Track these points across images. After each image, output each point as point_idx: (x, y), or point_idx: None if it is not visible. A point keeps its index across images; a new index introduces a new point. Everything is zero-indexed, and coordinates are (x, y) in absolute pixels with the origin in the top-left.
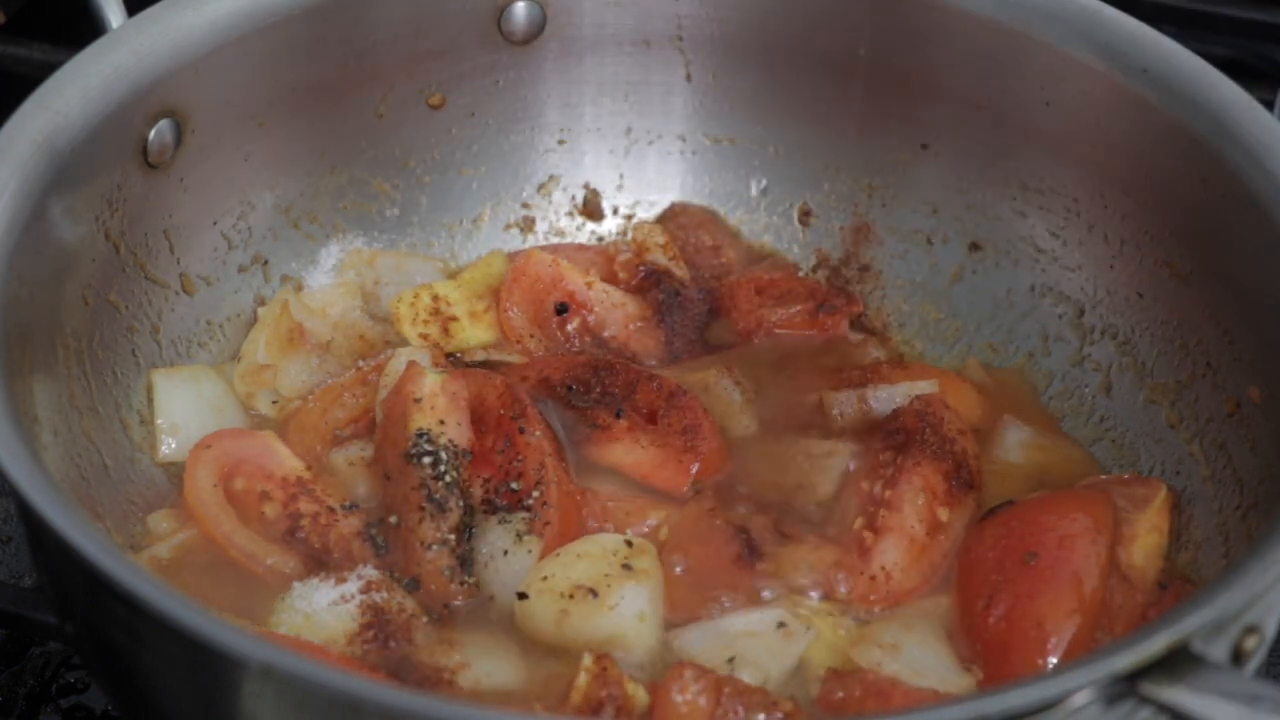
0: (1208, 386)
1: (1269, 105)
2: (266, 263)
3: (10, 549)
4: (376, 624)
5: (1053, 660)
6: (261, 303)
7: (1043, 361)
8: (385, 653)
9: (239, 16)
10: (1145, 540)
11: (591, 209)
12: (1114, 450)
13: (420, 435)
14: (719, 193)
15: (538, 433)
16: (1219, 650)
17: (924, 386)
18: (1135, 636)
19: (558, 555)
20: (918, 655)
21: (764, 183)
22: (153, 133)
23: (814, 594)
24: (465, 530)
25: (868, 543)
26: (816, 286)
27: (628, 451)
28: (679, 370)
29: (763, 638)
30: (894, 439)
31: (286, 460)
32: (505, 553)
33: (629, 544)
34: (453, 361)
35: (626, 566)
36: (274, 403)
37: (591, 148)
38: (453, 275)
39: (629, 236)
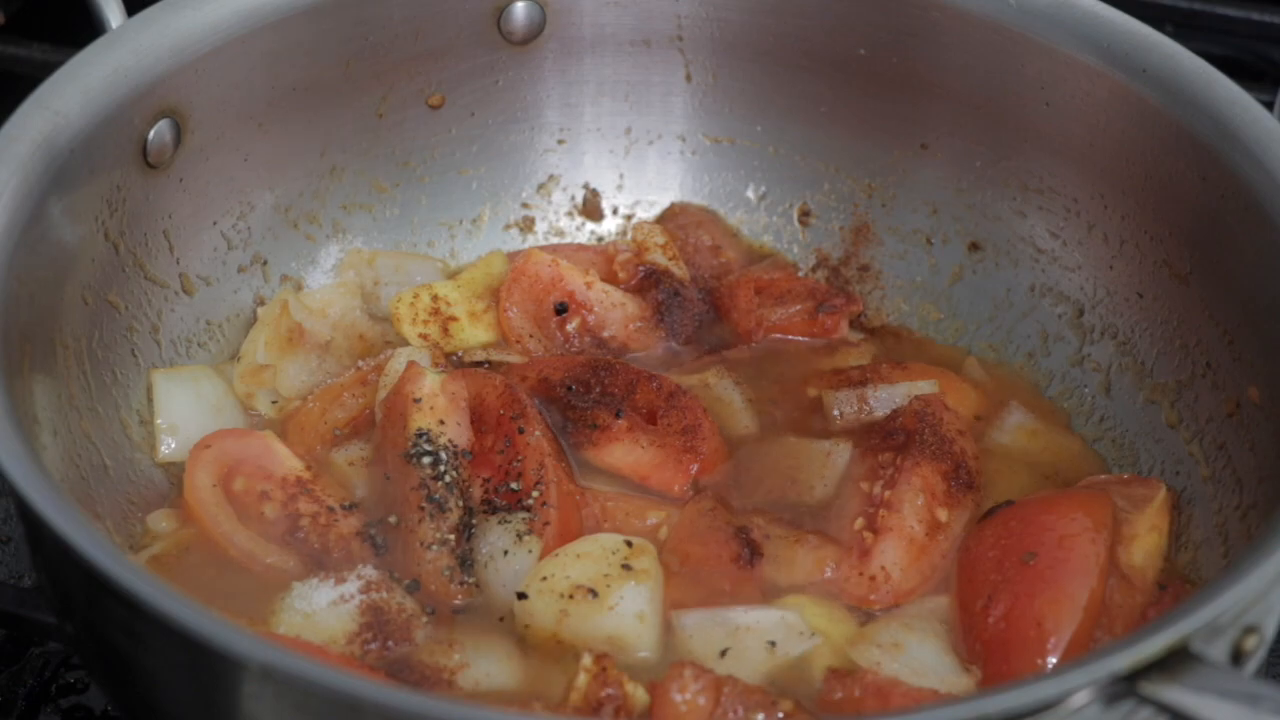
0: (1208, 386)
1: (1269, 105)
2: (266, 263)
3: (10, 549)
4: (376, 624)
5: (1052, 660)
6: (261, 303)
7: (1043, 361)
8: (385, 653)
9: (239, 16)
10: (1145, 540)
11: (591, 209)
12: (1114, 450)
13: (420, 435)
14: (719, 193)
15: (537, 433)
16: (1219, 650)
17: (924, 387)
18: (1135, 636)
19: (557, 555)
20: (918, 655)
21: (764, 183)
22: (153, 133)
23: (814, 593)
24: (465, 530)
25: (868, 543)
26: (816, 287)
27: (627, 452)
28: (679, 370)
29: (760, 634)
30: (893, 439)
31: (286, 460)
32: (505, 553)
33: (629, 544)
34: (453, 361)
35: (626, 566)
36: (274, 403)
37: (591, 148)
38: (452, 275)
39: (629, 236)
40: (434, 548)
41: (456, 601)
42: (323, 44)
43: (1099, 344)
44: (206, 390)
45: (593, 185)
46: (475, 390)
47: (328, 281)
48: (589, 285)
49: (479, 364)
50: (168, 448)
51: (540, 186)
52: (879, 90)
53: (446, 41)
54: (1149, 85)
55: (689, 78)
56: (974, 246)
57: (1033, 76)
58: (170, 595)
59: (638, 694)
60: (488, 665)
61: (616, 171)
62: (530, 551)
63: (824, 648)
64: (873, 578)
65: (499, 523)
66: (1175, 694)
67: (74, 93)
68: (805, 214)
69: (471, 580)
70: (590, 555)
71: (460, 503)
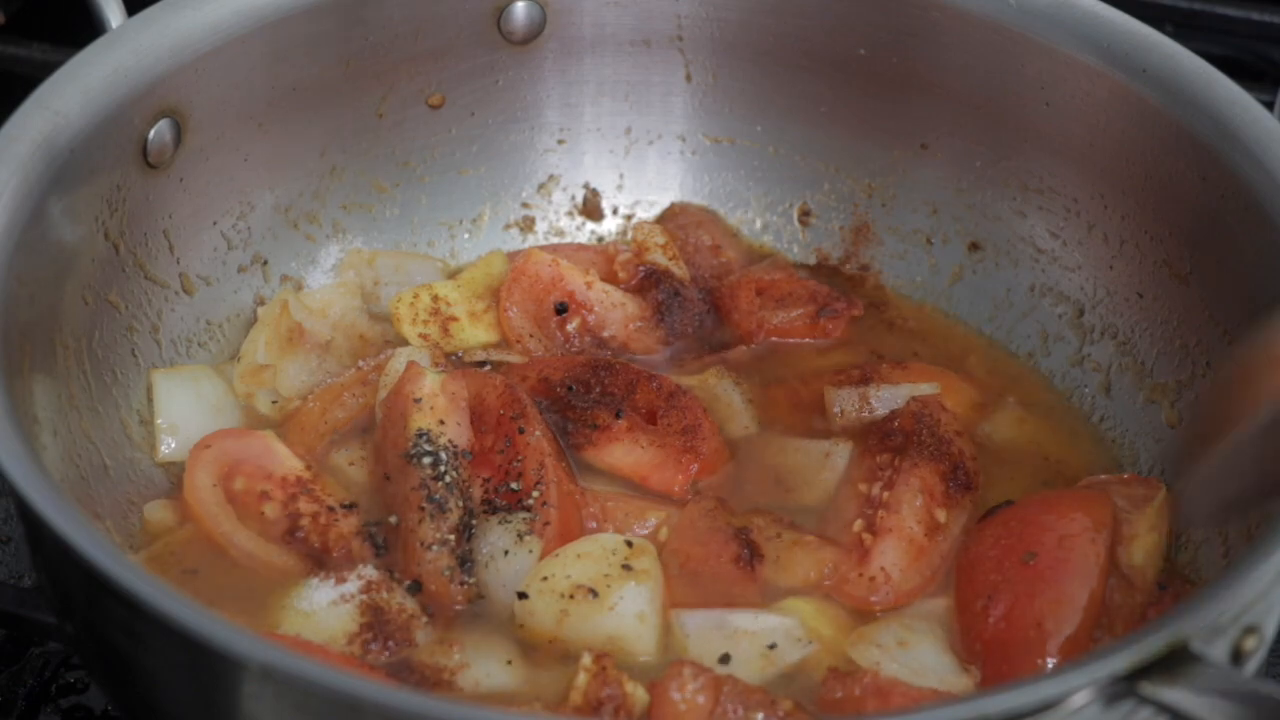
0: (1208, 386)
1: (1269, 105)
2: (266, 263)
3: (10, 549)
4: (376, 624)
5: (1052, 660)
6: (261, 303)
7: (1043, 361)
8: (385, 654)
9: (239, 16)
10: (1145, 540)
11: (591, 209)
12: (1114, 450)
13: (420, 435)
14: (719, 193)
15: (537, 433)
16: (1219, 650)
17: (925, 388)
18: (1135, 636)
19: (557, 555)
20: (918, 655)
21: (764, 183)
22: (153, 133)
23: (814, 595)
24: (465, 530)
25: (867, 544)
26: (817, 289)
27: (627, 452)
28: (679, 371)
29: (759, 639)
30: (891, 441)
31: (286, 460)
32: (505, 553)
33: (629, 544)
34: (453, 361)
35: (626, 567)
36: (274, 403)
37: (591, 148)
38: (452, 275)
39: (629, 236)
40: (434, 548)
41: (457, 603)
42: (323, 44)
43: (1099, 344)
44: (206, 390)
45: (593, 185)
46: (475, 390)
47: (328, 281)
48: (589, 285)
49: (479, 364)
50: (168, 448)
51: (540, 186)
52: (879, 90)
53: (446, 41)
54: (1149, 85)
55: (689, 78)
56: (974, 246)
57: (1033, 76)
58: (170, 595)
59: (637, 693)
60: (488, 665)
61: (616, 171)
62: (530, 551)
63: (824, 648)
64: (872, 579)
65: (499, 523)
66: (1175, 694)
67: (74, 93)
68: (805, 214)
69: (471, 580)
70: (590, 555)
71: (460, 503)
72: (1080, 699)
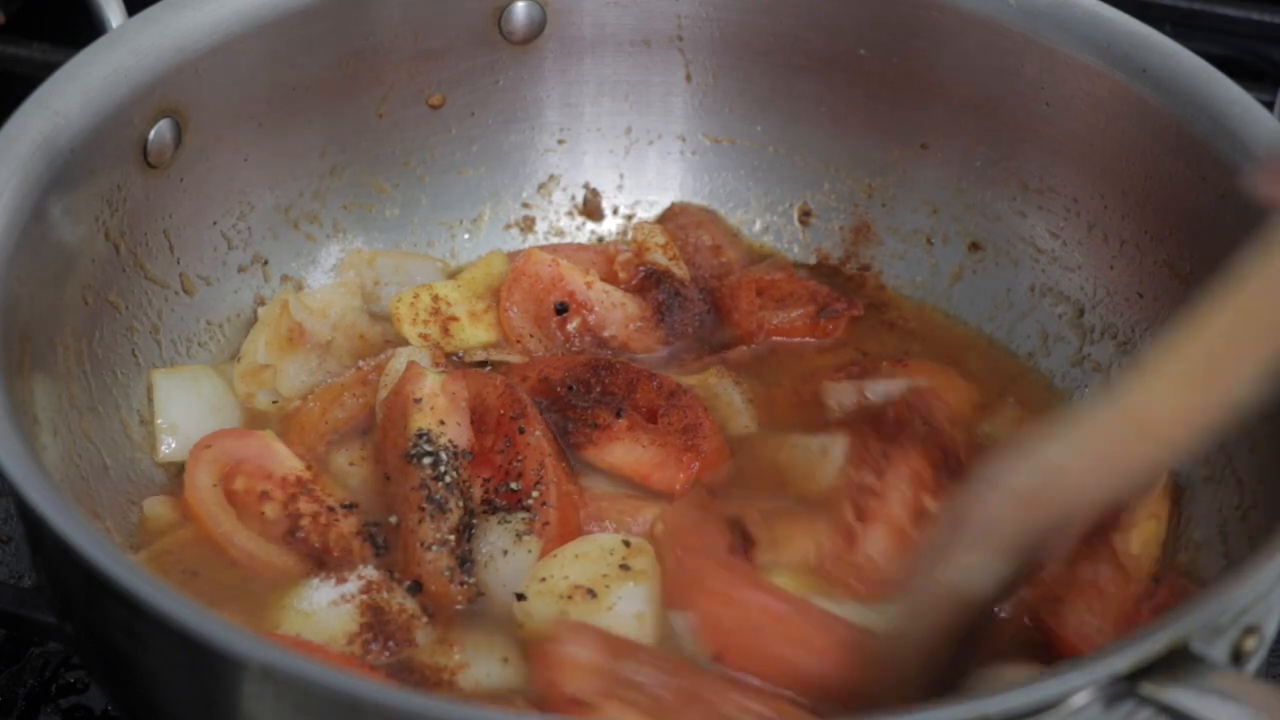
0: None
1: (1269, 105)
2: (266, 263)
3: (10, 549)
4: (376, 624)
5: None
6: (261, 303)
7: (1043, 361)
8: (386, 654)
9: (239, 16)
10: (1144, 528)
11: (591, 209)
12: None
13: (420, 436)
14: (719, 193)
15: (538, 433)
16: (1219, 650)
17: (922, 383)
18: (1135, 636)
19: (555, 556)
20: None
21: (764, 183)
22: (153, 133)
23: (804, 572)
24: (465, 530)
25: (855, 531)
26: (818, 290)
27: (628, 451)
28: (678, 370)
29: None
30: (885, 428)
31: (286, 460)
32: (505, 553)
33: (626, 544)
34: (453, 361)
35: (624, 567)
36: (274, 402)
37: (591, 148)
38: (453, 275)
39: (629, 236)
40: (434, 548)
41: (457, 602)
42: (323, 44)
43: (1099, 344)
44: (206, 390)
45: (593, 185)
46: (476, 390)
47: (328, 281)
48: (589, 285)
49: (479, 364)
50: (168, 448)
51: (540, 186)
52: (879, 90)
53: (446, 41)
54: (1149, 85)
55: (689, 78)
56: (974, 246)
57: (1033, 76)
58: (170, 595)
59: None
60: (488, 665)
61: (617, 171)
62: (530, 551)
63: None
64: (859, 566)
65: (499, 522)
66: (1176, 694)
67: (74, 93)
68: (805, 214)
69: (471, 580)
70: (588, 556)
71: (461, 503)
72: (1080, 699)
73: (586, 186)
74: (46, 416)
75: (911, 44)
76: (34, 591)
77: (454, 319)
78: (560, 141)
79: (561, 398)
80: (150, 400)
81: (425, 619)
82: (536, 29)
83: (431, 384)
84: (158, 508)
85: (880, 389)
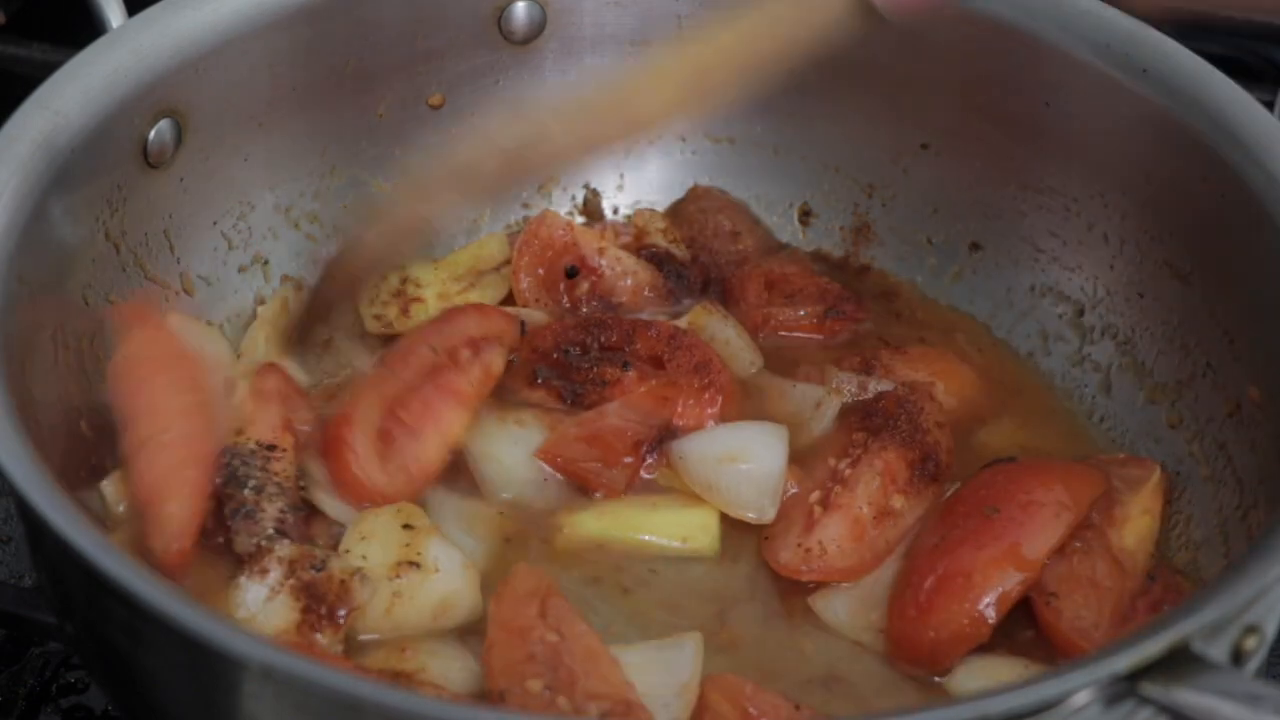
0: (1208, 386)
1: (1269, 105)
2: (266, 263)
3: (10, 549)
4: (312, 600)
5: (970, 610)
6: (261, 302)
7: (1043, 361)
8: (335, 622)
9: (239, 16)
10: (1138, 523)
11: (591, 209)
12: (1114, 451)
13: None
14: None
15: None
16: (1219, 650)
17: (922, 380)
18: (1135, 636)
19: (362, 539)
20: None
21: (764, 183)
22: (153, 133)
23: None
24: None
25: (815, 515)
26: (828, 288)
27: (645, 401)
28: (665, 316)
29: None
30: (870, 421)
31: None
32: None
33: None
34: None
35: (408, 526)
36: None
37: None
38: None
39: (630, 219)
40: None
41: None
42: (323, 44)
43: (1099, 344)
44: None
45: (593, 185)
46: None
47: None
48: (600, 251)
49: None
50: None
51: (540, 187)
52: (879, 90)
53: (446, 41)
54: (1149, 85)
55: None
56: (974, 246)
57: (1033, 76)
58: (170, 595)
59: None
60: (441, 666)
61: (617, 171)
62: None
63: None
64: (808, 550)
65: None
66: (1176, 694)
67: (74, 93)
68: (805, 214)
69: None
70: (377, 536)
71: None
72: (1080, 699)
73: (586, 186)
74: (46, 416)
75: (911, 44)
76: (34, 591)
77: (418, 300)
78: None
79: (561, 363)
80: None
81: (358, 572)
82: (536, 29)
83: (240, 390)
84: (112, 488)
85: (881, 385)
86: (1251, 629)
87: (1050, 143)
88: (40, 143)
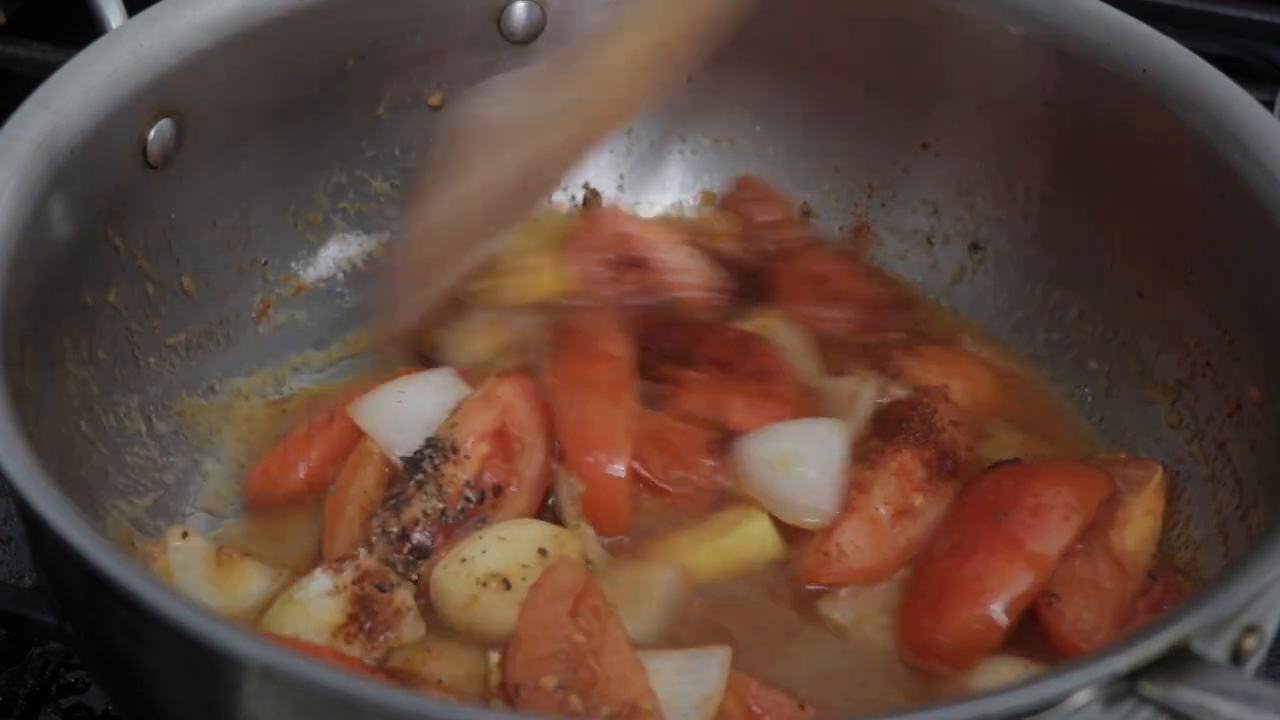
0: (1208, 386)
1: (1269, 105)
2: (266, 263)
3: (10, 549)
4: (363, 614)
5: (982, 615)
6: (262, 302)
7: (1043, 362)
8: (369, 643)
9: (239, 16)
10: (1140, 524)
11: (591, 209)
12: (1114, 451)
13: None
14: None
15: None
16: (1219, 650)
17: (935, 383)
18: (1135, 636)
19: (480, 537)
20: None
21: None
22: (153, 133)
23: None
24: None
25: (834, 520)
26: (875, 297)
27: (708, 403)
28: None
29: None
30: (885, 426)
31: None
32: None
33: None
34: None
35: (543, 552)
36: None
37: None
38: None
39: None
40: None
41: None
42: (323, 44)
43: (1099, 344)
44: None
45: (593, 185)
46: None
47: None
48: (661, 244)
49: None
50: None
51: None
52: (879, 90)
53: (446, 41)
54: (1149, 85)
55: (689, 78)
56: (974, 246)
57: (1032, 76)
58: (171, 595)
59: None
60: (453, 669)
61: (616, 171)
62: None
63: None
64: (826, 554)
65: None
66: (1176, 694)
67: (74, 93)
68: (805, 214)
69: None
70: (514, 540)
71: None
72: (1080, 699)
73: (586, 187)
74: (47, 416)
75: (911, 44)
76: (34, 591)
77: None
78: None
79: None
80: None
81: (413, 609)
82: (536, 29)
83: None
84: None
85: (899, 391)
86: (1251, 629)
87: (1050, 143)
88: (40, 143)
